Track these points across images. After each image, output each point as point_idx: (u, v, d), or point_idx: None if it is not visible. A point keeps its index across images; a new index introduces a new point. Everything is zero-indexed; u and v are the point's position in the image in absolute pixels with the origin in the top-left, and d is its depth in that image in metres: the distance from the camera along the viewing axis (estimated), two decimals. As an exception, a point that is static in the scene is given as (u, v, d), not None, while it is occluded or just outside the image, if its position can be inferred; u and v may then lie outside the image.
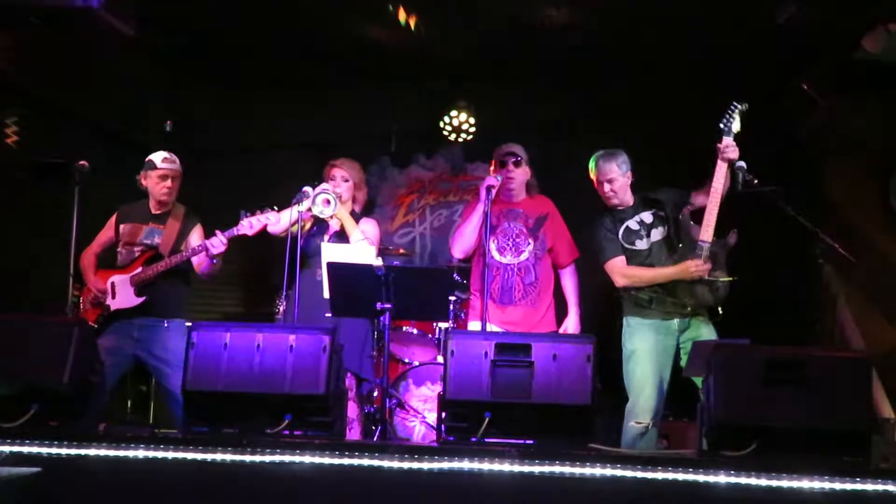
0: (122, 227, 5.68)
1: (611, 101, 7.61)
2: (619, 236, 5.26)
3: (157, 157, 5.62)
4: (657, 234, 5.26)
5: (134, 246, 5.60)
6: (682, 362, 5.12)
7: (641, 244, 5.25)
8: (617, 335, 6.83)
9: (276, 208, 5.44)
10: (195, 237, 5.68)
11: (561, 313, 5.64)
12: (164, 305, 5.54)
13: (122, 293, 5.49)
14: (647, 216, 5.29)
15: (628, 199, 5.32)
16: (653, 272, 5.15)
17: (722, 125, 4.96)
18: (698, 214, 5.06)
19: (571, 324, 5.54)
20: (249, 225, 5.42)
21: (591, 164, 5.31)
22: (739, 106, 4.98)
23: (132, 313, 5.46)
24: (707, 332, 5.10)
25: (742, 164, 5.03)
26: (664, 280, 5.12)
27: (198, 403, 4.12)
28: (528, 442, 4.05)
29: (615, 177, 5.24)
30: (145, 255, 5.55)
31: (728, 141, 4.94)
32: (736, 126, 4.97)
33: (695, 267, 5.00)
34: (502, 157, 5.50)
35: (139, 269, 5.50)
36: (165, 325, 5.51)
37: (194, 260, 5.58)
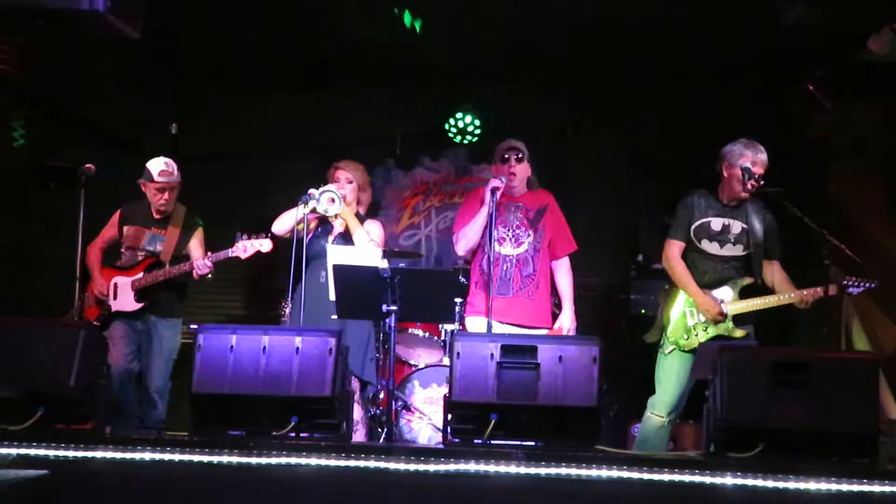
0: (125, 228, 5.84)
1: (614, 102, 7.61)
2: (692, 226, 5.16)
3: (155, 168, 5.70)
4: (734, 249, 5.14)
5: (137, 250, 5.77)
6: None
7: (710, 247, 5.14)
8: (619, 335, 6.84)
9: (269, 235, 5.56)
10: (195, 243, 5.85)
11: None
12: (160, 307, 5.75)
13: (123, 296, 5.68)
14: (736, 226, 5.14)
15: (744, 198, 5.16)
16: (684, 279, 5.12)
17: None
18: None
19: (567, 319, 5.45)
20: (244, 248, 5.56)
21: (742, 151, 5.06)
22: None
23: (131, 315, 5.69)
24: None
25: (747, 164, 5.02)
26: (685, 292, 5.13)
27: (204, 405, 4.13)
28: (534, 444, 4.05)
29: (762, 173, 5.04)
30: (147, 262, 5.72)
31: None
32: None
33: (708, 308, 5.02)
34: (505, 151, 5.47)
35: (140, 275, 5.69)
36: (162, 322, 5.74)
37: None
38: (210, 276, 5.69)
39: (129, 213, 5.88)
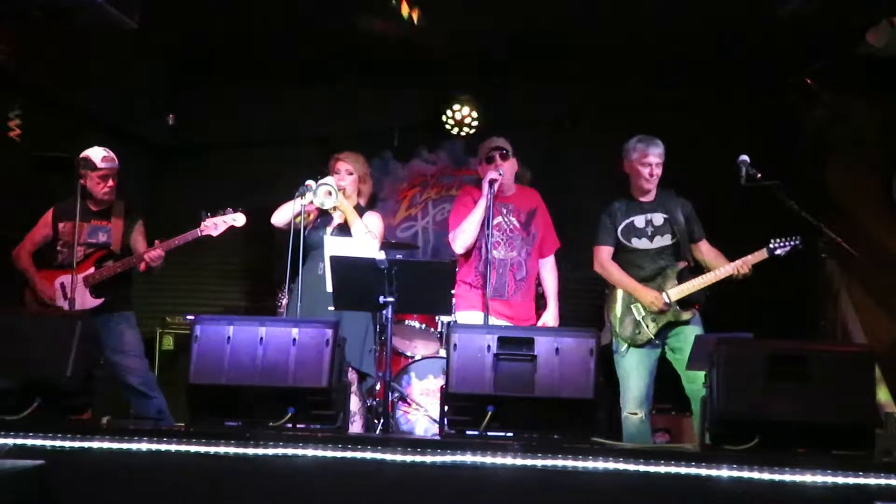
0: (60, 224, 5.61)
1: (613, 97, 7.60)
2: (619, 229, 5.31)
3: (96, 155, 5.53)
4: (662, 240, 5.30)
5: (78, 245, 5.46)
6: (668, 355, 5.24)
7: (640, 243, 5.30)
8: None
9: (241, 210, 5.46)
10: (138, 237, 5.68)
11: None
12: (114, 301, 5.53)
13: (76, 295, 5.36)
14: (658, 218, 5.31)
15: (654, 193, 5.35)
16: (619, 277, 5.28)
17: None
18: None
19: (550, 317, 5.52)
20: (213, 226, 5.45)
21: (635, 146, 5.28)
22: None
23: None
24: (691, 330, 5.16)
25: (745, 158, 5.05)
26: (625, 289, 5.26)
27: (201, 396, 4.13)
28: (530, 435, 4.05)
29: (659, 162, 5.25)
30: (95, 255, 5.52)
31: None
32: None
33: (652, 300, 5.14)
34: (489, 151, 5.47)
35: (91, 270, 5.47)
36: (115, 319, 5.50)
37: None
38: (159, 268, 5.51)
39: (62, 211, 5.61)
